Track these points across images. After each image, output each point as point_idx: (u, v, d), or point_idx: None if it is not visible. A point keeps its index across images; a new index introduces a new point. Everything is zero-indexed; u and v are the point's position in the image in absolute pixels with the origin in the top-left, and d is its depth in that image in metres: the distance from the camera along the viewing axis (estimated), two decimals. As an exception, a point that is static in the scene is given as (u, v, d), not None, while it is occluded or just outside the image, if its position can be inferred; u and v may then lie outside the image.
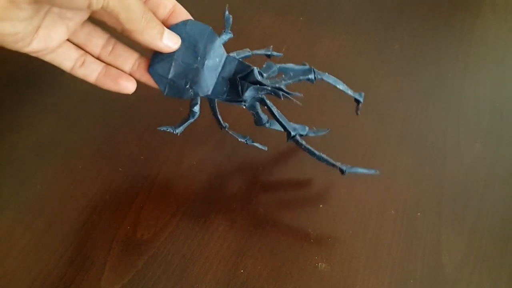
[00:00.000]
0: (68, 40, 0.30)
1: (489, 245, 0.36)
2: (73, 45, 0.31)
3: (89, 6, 0.25)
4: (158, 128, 0.34)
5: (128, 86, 0.32)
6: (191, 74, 0.31)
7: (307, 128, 0.38)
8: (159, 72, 0.31)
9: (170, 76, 0.31)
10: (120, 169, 0.39)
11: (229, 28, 0.34)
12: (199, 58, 0.31)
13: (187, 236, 0.36)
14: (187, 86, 0.31)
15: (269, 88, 0.32)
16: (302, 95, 0.32)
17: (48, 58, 0.30)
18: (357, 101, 0.37)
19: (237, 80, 0.32)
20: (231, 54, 0.33)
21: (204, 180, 0.39)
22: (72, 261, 0.34)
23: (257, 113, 0.34)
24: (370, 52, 0.50)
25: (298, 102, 0.32)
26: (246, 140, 0.38)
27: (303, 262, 0.35)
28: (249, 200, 0.38)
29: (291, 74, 0.34)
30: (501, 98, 0.47)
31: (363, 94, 0.37)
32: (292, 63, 0.35)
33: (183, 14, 0.31)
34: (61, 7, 0.27)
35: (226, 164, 0.40)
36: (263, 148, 0.39)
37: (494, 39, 0.52)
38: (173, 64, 0.31)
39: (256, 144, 0.38)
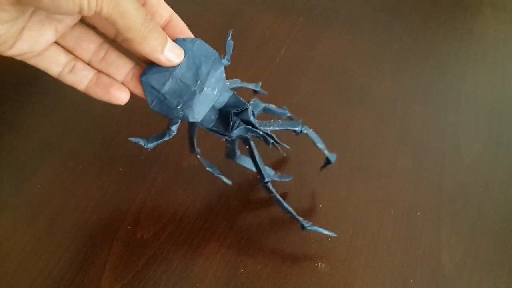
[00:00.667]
0: (56, 42, 0.28)
1: (488, 245, 0.37)
2: (62, 49, 0.28)
3: (80, 11, 0.22)
4: (130, 139, 0.32)
5: (121, 96, 0.29)
6: (187, 96, 0.29)
7: (272, 171, 0.38)
8: (152, 83, 0.29)
9: (163, 91, 0.28)
10: (120, 169, 0.39)
11: (229, 56, 0.32)
12: (199, 81, 0.29)
13: (187, 236, 0.36)
14: (179, 107, 0.29)
15: (260, 133, 0.30)
16: (289, 147, 0.31)
17: (32, 61, 0.27)
18: (328, 162, 0.37)
19: (230, 115, 0.30)
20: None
21: (203, 180, 0.39)
22: (72, 261, 0.34)
23: (233, 148, 0.34)
24: (370, 52, 0.50)
25: (284, 153, 0.31)
26: (213, 171, 0.37)
27: (303, 262, 0.35)
28: (249, 200, 0.38)
29: (280, 121, 0.33)
30: (501, 98, 0.47)
31: (335, 155, 0.37)
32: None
33: (180, 26, 0.29)
34: (47, 12, 0.24)
35: (226, 164, 0.40)
36: (227, 182, 0.38)
37: (494, 39, 0.52)
38: (170, 79, 0.28)
39: (221, 177, 0.37)
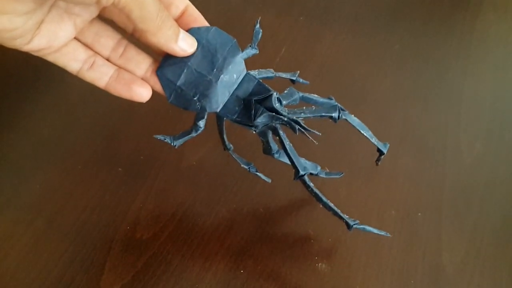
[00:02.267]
0: (75, 38, 0.27)
1: (489, 245, 0.36)
2: (81, 44, 0.28)
3: (98, 1, 0.22)
4: (155, 136, 0.31)
5: (143, 93, 0.28)
6: (203, 86, 0.28)
7: (319, 167, 0.34)
8: (168, 76, 0.28)
9: (179, 83, 0.28)
10: (120, 169, 0.39)
11: (256, 44, 0.31)
12: (215, 70, 0.28)
13: (187, 236, 0.36)
14: (195, 98, 0.29)
15: (285, 119, 0.28)
16: (320, 133, 0.29)
17: (51, 58, 0.27)
18: (380, 152, 0.34)
19: (251, 102, 0.29)
20: (251, 72, 0.30)
21: (204, 180, 0.39)
22: (72, 261, 0.34)
23: (267, 141, 0.31)
24: (370, 52, 0.50)
25: (314, 141, 0.29)
26: (249, 168, 0.35)
27: (303, 262, 0.35)
28: (249, 200, 0.38)
29: (313, 107, 0.31)
30: (502, 98, 0.46)
31: (388, 145, 0.34)
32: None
33: (195, 15, 0.29)
34: (67, 1, 0.24)
35: (226, 164, 0.39)
36: (266, 180, 0.36)
37: (494, 39, 0.52)
38: (185, 70, 0.28)
39: (259, 174, 0.36)
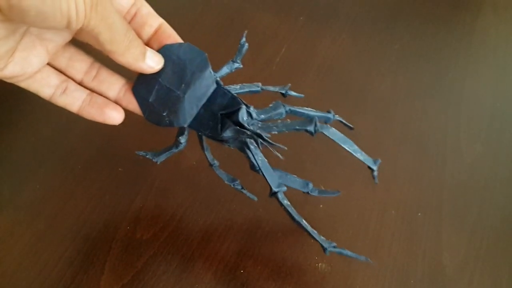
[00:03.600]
0: (48, 64, 0.27)
1: (489, 245, 0.36)
2: (53, 70, 0.28)
3: (68, 25, 0.22)
4: (137, 152, 0.31)
5: (116, 117, 0.29)
6: (171, 101, 0.28)
7: (310, 184, 0.33)
8: (142, 93, 0.29)
9: (151, 99, 0.28)
10: (120, 169, 0.39)
11: (239, 58, 0.31)
12: (183, 85, 0.28)
13: (187, 236, 0.36)
14: (164, 114, 0.29)
15: (248, 133, 0.28)
16: (286, 148, 0.28)
17: (24, 84, 0.27)
18: (370, 169, 0.32)
19: (218, 117, 0.29)
20: (233, 86, 0.30)
21: (203, 180, 0.39)
22: (72, 261, 0.34)
23: (248, 157, 0.30)
24: (370, 52, 0.50)
25: (279, 155, 0.28)
26: (234, 184, 0.35)
27: (303, 262, 0.35)
28: (249, 201, 0.38)
29: (288, 120, 0.30)
30: (502, 98, 0.46)
31: (379, 161, 0.32)
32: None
33: (169, 32, 0.29)
34: (36, 26, 0.24)
35: (226, 165, 0.39)
36: (252, 197, 0.36)
37: (494, 39, 0.52)
38: (156, 87, 0.28)
39: (244, 192, 0.35)
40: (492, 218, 0.38)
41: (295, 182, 0.32)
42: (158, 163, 0.32)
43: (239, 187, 0.35)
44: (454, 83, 0.47)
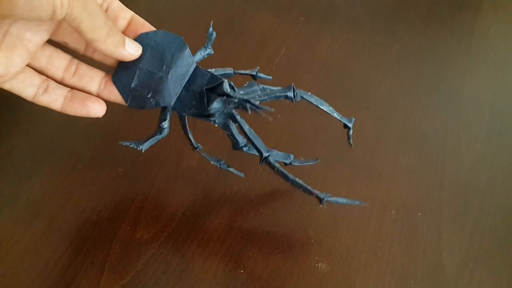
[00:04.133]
0: (28, 66, 0.29)
1: (489, 245, 0.36)
2: (34, 71, 0.29)
3: (53, 15, 0.23)
4: (120, 143, 0.32)
5: (97, 109, 0.30)
6: (155, 83, 0.30)
7: (291, 156, 0.35)
8: (123, 81, 0.30)
9: (133, 85, 0.30)
10: (119, 169, 0.39)
11: (210, 44, 0.33)
12: (164, 67, 0.30)
13: (187, 236, 0.36)
14: (149, 96, 0.30)
15: (236, 100, 0.30)
16: (272, 109, 0.29)
17: (7, 85, 0.28)
18: (346, 127, 0.34)
19: (204, 92, 0.30)
20: (209, 70, 0.32)
21: (203, 180, 0.39)
22: (72, 261, 0.34)
23: (232, 134, 0.32)
24: (370, 52, 0.50)
25: (268, 117, 0.30)
26: (220, 164, 0.36)
27: (303, 262, 0.35)
28: (249, 201, 0.38)
29: (268, 90, 0.32)
30: (502, 98, 0.46)
31: (353, 119, 0.34)
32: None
33: (141, 22, 0.30)
34: (22, 18, 0.24)
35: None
36: (239, 174, 0.37)
37: (494, 39, 0.52)
38: (137, 72, 0.30)
39: (231, 169, 0.36)
40: (492, 217, 0.38)
41: (278, 155, 0.33)
42: (143, 151, 0.32)
43: (225, 166, 0.36)
44: (454, 83, 0.47)
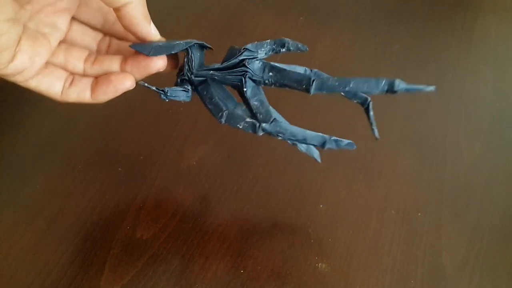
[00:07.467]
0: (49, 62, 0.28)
1: (489, 245, 0.36)
2: (58, 66, 0.29)
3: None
4: (141, 83, 0.29)
5: (123, 80, 0.28)
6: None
7: (327, 137, 0.31)
8: (144, 45, 0.28)
9: (154, 44, 0.28)
10: (119, 169, 0.39)
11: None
12: None
13: (187, 236, 0.36)
14: (176, 42, 0.29)
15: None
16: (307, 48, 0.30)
17: (34, 83, 0.27)
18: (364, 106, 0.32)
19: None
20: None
21: (203, 180, 0.39)
22: (72, 261, 0.34)
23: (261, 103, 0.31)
24: (370, 52, 0.50)
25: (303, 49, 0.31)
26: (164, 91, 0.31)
27: (303, 262, 0.35)
28: (249, 201, 0.38)
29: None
30: (502, 98, 0.46)
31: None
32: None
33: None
34: None
35: (226, 164, 0.39)
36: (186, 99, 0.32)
37: (494, 40, 0.52)
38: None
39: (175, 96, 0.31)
40: (492, 217, 0.38)
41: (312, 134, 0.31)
42: (167, 100, 0.30)
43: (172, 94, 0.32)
44: (454, 83, 0.47)
